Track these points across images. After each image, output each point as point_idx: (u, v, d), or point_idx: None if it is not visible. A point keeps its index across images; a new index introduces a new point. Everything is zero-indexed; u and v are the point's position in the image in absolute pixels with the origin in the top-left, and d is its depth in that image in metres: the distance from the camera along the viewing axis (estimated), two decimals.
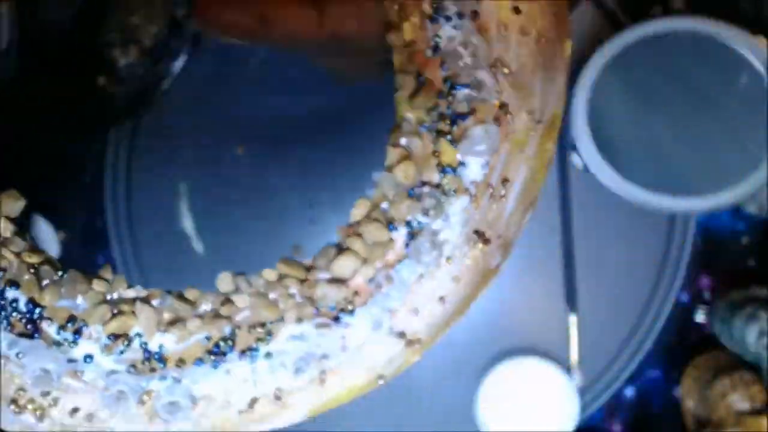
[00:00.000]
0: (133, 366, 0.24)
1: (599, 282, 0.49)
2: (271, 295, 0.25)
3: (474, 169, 0.25)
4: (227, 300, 0.25)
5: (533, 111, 0.24)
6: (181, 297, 0.25)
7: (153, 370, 0.24)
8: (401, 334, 0.26)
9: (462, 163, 0.25)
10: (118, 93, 0.45)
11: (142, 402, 0.24)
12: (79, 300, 0.24)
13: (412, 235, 0.25)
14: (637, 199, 0.43)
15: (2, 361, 0.23)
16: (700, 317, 0.51)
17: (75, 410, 0.23)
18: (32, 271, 0.23)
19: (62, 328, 0.23)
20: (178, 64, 0.46)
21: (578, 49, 0.47)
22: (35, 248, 0.24)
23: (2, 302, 0.23)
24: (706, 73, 0.40)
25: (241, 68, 0.48)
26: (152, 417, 0.24)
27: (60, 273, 0.24)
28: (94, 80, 0.45)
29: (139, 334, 0.24)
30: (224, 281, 0.26)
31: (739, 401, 0.46)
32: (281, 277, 0.26)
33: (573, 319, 0.49)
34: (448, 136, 0.25)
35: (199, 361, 0.25)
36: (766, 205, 0.47)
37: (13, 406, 0.23)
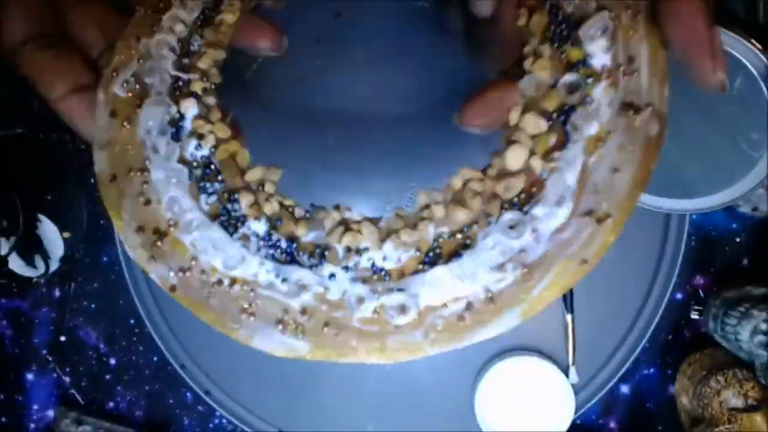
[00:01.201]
0: (365, 280, 0.28)
1: (595, 281, 0.49)
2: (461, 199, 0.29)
3: (600, 57, 0.27)
4: (427, 209, 0.29)
5: (630, 6, 0.27)
6: (397, 215, 0.29)
7: (380, 281, 0.28)
8: (589, 212, 0.27)
9: (588, 55, 0.27)
10: None
11: (376, 312, 0.27)
12: (325, 226, 0.29)
13: (565, 119, 0.27)
14: None
15: (270, 287, 0.28)
16: (694, 316, 0.51)
17: (325, 324, 0.28)
18: (289, 211, 0.30)
19: (311, 255, 0.28)
20: None
21: None
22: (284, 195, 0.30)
23: (270, 243, 0.28)
24: None
25: (244, 67, 0.49)
26: (383, 324, 0.28)
27: (306, 211, 0.30)
28: None
29: (366, 248, 0.28)
30: (421, 196, 0.30)
31: (733, 398, 0.46)
32: (465, 183, 0.30)
33: (569, 318, 0.49)
34: (568, 41, 0.28)
35: (415, 272, 0.28)
36: (759, 204, 0.47)
37: (280, 326, 0.28)
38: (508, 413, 0.49)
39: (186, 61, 0.30)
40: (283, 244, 0.28)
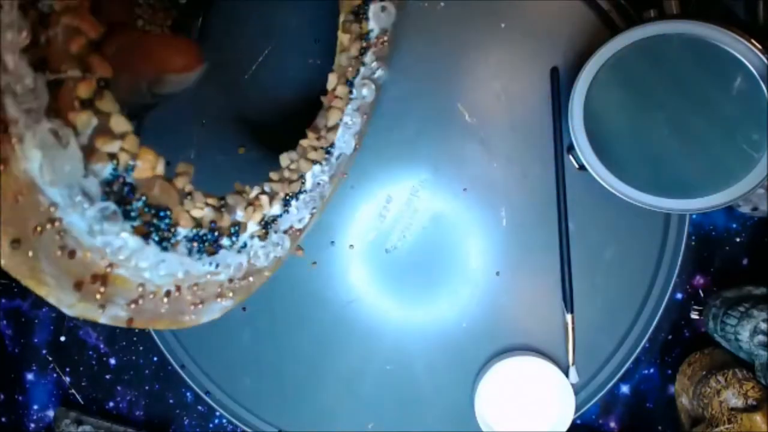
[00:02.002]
0: (260, 236, 0.35)
1: (595, 281, 0.49)
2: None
3: (375, 31, 0.40)
4: (289, 169, 0.38)
5: None
6: (272, 179, 0.37)
7: (266, 234, 0.36)
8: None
9: (371, 30, 0.39)
10: None
11: (268, 255, 0.36)
12: (239, 211, 0.33)
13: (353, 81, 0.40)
14: (632, 199, 0.44)
15: (209, 276, 0.32)
16: (694, 315, 0.51)
17: (245, 277, 0.35)
18: (214, 207, 0.32)
19: (229, 235, 0.33)
20: None
21: (575, 51, 0.47)
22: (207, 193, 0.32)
23: (199, 240, 0.31)
24: (701, 76, 0.41)
25: (242, 70, 0.49)
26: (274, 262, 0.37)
27: (222, 200, 0.33)
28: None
29: (264, 215, 0.35)
30: (283, 159, 0.38)
31: (732, 398, 0.46)
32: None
33: (569, 318, 0.49)
34: (365, 18, 0.39)
35: (280, 215, 0.37)
36: (759, 204, 0.47)
37: (219, 299, 0.34)
38: (508, 413, 0.49)
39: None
40: (210, 236, 0.31)
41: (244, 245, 0.34)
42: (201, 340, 0.51)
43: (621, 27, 0.46)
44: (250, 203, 0.34)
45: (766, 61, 0.39)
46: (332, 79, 0.39)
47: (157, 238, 0.28)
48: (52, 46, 0.24)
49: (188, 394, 0.55)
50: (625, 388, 0.53)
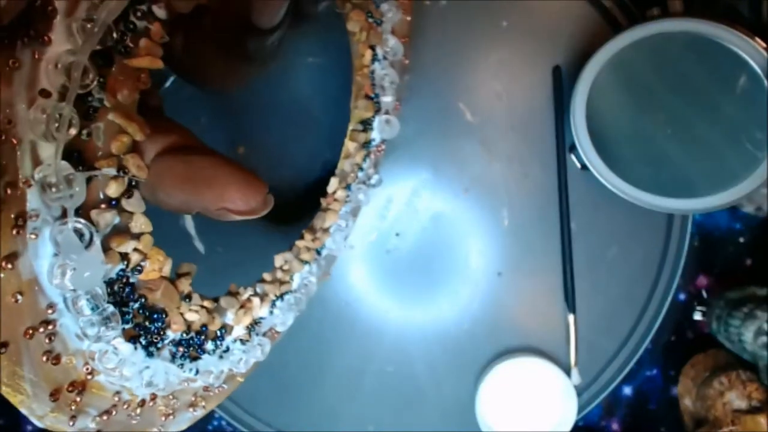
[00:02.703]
0: (242, 341, 0.33)
1: (597, 281, 0.49)
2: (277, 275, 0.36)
3: (377, 141, 0.41)
4: (282, 270, 0.37)
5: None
6: (265, 280, 0.35)
7: (249, 338, 0.34)
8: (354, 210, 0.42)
9: (373, 139, 0.40)
10: None
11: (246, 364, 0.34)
12: (229, 314, 0.31)
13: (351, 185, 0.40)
14: (635, 199, 0.44)
15: (186, 383, 0.29)
16: (697, 316, 0.51)
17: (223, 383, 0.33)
18: (207, 309, 0.30)
19: (214, 339, 0.30)
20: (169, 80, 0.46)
21: (577, 50, 0.47)
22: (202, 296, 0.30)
23: (184, 342, 0.28)
24: (704, 75, 0.40)
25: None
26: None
27: (215, 302, 0.31)
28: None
29: (257, 321, 0.34)
30: (278, 259, 0.36)
31: (736, 400, 0.46)
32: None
33: (571, 319, 0.49)
34: (371, 128, 0.40)
35: (263, 317, 0.35)
36: (763, 204, 0.47)
37: (191, 408, 0.31)
38: (510, 415, 0.49)
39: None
40: (195, 340, 0.29)
41: (227, 349, 0.31)
42: None
43: (624, 25, 0.46)
44: (242, 306, 0.32)
45: None
46: (334, 183, 0.39)
47: (144, 343, 0.25)
48: (91, 140, 0.22)
49: None
50: (627, 390, 0.53)
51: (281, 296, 0.36)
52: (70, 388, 0.23)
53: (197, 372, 0.29)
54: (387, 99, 0.39)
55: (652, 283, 0.49)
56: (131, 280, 0.24)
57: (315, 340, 0.51)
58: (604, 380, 0.50)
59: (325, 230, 0.39)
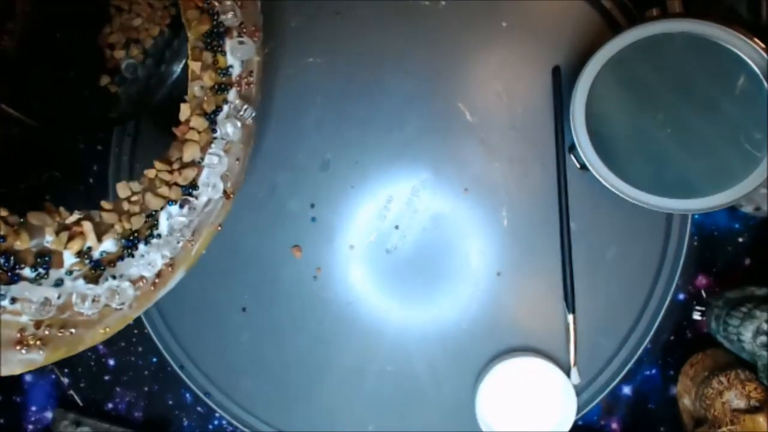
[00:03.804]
0: (86, 277, 0.30)
1: (597, 281, 0.49)
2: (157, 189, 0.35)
3: (236, 68, 0.38)
4: (129, 201, 0.34)
5: (258, 27, 0.39)
6: (103, 208, 0.33)
7: (98, 273, 0.31)
8: (225, 193, 0.38)
9: (230, 66, 0.38)
10: (121, 93, 0.45)
11: (95, 301, 0.31)
12: (47, 235, 0.29)
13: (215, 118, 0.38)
14: (634, 199, 0.44)
15: (5, 312, 0.27)
16: (696, 316, 0.51)
17: (61, 327, 0.30)
18: (4, 220, 0.27)
19: (33, 266, 0.28)
20: (179, 65, 0.46)
21: (577, 50, 0.47)
22: None
23: None
24: (704, 75, 0.40)
25: None
26: (103, 309, 0.32)
27: (21, 219, 0.28)
28: (97, 80, 0.45)
29: (89, 248, 0.31)
30: (121, 188, 0.35)
31: (735, 399, 0.46)
32: (156, 174, 0.36)
33: (570, 319, 0.49)
34: (219, 50, 0.38)
35: (121, 257, 0.33)
36: (761, 204, 0.47)
37: (18, 347, 0.28)
38: (510, 414, 0.49)
39: None
40: (2, 260, 0.27)
41: (59, 283, 0.29)
42: (200, 341, 0.51)
43: (623, 26, 0.46)
44: (65, 227, 0.30)
45: None
46: (185, 109, 0.37)
47: None
48: None
49: (187, 395, 0.55)
50: (627, 389, 0.53)
51: (146, 238, 0.33)
52: None
53: (13, 300, 0.27)
54: (227, 16, 0.37)
55: (652, 282, 0.49)
56: None
57: (315, 340, 0.51)
58: (603, 380, 0.50)
59: (188, 164, 0.36)
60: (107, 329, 0.33)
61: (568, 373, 0.49)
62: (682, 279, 0.50)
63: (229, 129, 0.37)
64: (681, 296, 0.51)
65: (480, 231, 0.49)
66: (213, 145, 0.37)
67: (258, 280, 0.50)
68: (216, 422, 0.55)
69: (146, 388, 0.55)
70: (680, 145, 0.42)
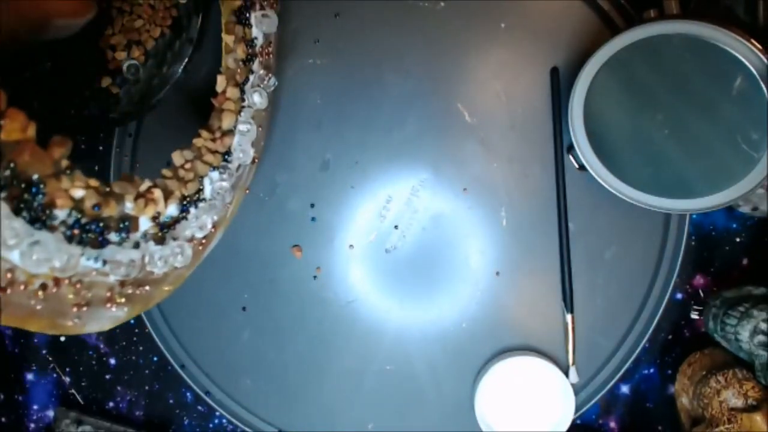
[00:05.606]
0: (155, 239, 0.33)
1: (595, 281, 0.49)
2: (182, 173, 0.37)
3: (260, 39, 0.41)
4: (183, 168, 0.37)
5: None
6: (165, 176, 0.36)
7: (164, 235, 0.34)
8: (253, 160, 0.42)
9: (255, 38, 0.41)
10: (122, 94, 0.46)
11: (164, 261, 0.34)
12: (127, 202, 0.31)
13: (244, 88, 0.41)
14: (632, 199, 0.44)
15: (94, 273, 0.29)
16: (694, 315, 0.51)
17: (138, 285, 0.32)
18: (97, 190, 0.29)
19: (117, 230, 0.30)
20: (180, 66, 0.46)
21: (575, 51, 0.47)
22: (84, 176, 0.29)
23: (81, 228, 0.28)
24: (701, 76, 0.41)
25: None
26: (170, 268, 0.35)
27: (107, 186, 0.30)
28: (99, 81, 0.45)
29: (158, 213, 0.33)
30: (176, 157, 0.37)
31: (732, 398, 0.46)
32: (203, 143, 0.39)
33: (569, 318, 0.49)
34: (247, 23, 0.40)
35: (178, 221, 0.35)
36: (759, 204, 0.47)
37: (108, 304, 0.31)
38: (508, 413, 0.49)
39: None
40: (94, 226, 0.28)
41: (137, 245, 0.31)
42: (201, 340, 0.51)
43: (621, 27, 0.46)
44: (141, 195, 0.32)
45: (766, 61, 0.39)
46: (221, 81, 0.39)
47: (28, 217, 0.25)
48: None
49: (188, 394, 0.55)
50: (625, 388, 0.53)
51: (194, 202, 0.36)
52: None
53: (104, 263, 0.29)
54: None
55: (650, 282, 0.49)
56: None
57: (315, 340, 0.51)
58: (601, 379, 0.50)
59: (226, 133, 0.39)
60: (170, 287, 0.36)
61: (566, 373, 0.49)
62: (679, 278, 0.50)
63: (256, 98, 0.40)
64: (679, 296, 0.51)
65: (479, 231, 0.49)
66: (242, 114, 0.40)
67: (258, 279, 0.50)
68: (216, 421, 0.55)
69: (147, 387, 0.55)
70: (678, 146, 0.42)
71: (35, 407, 0.56)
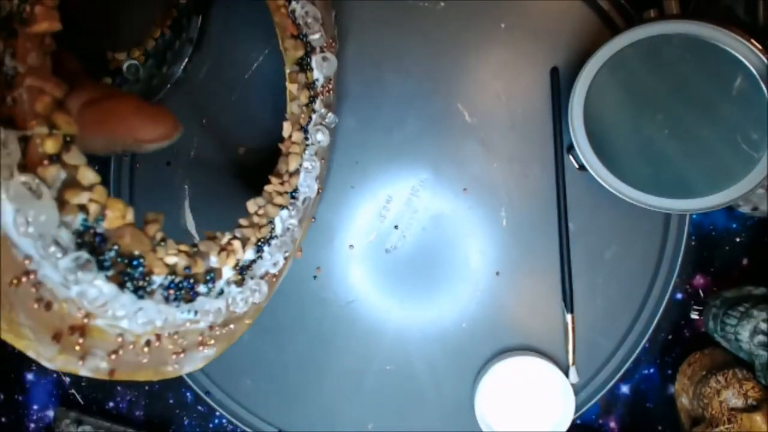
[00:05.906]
0: (235, 282, 0.35)
1: (595, 281, 0.49)
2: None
3: (320, 80, 0.42)
4: (257, 215, 0.39)
5: (335, 38, 0.43)
6: (242, 225, 0.38)
7: (243, 277, 0.36)
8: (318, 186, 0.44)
9: (317, 79, 0.41)
10: None
11: (245, 301, 0.36)
12: (212, 257, 0.34)
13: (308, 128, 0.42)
14: (632, 199, 0.44)
15: (188, 324, 0.32)
16: (694, 315, 0.51)
17: (224, 325, 0.36)
18: (186, 253, 0.31)
19: (205, 282, 0.33)
20: (180, 66, 0.46)
21: (575, 51, 0.47)
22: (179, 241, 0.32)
23: (175, 288, 0.30)
24: (701, 76, 0.41)
25: (242, 70, 0.49)
26: (250, 306, 0.37)
27: (195, 247, 0.33)
28: (99, 82, 0.45)
29: (238, 259, 0.36)
30: (250, 205, 0.39)
31: (732, 398, 0.46)
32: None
33: (569, 318, 0.49)
34: (308, 68, 0.41)
35: (254, 261, 0.38)
36: (759, 204, 0.47)
37: (201, 347, 0.34)
38: (508, 413, 0.49)
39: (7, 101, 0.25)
40: (185, 283, 0.31)
41: (221, 292, 0.34)
42: None
43: (621, 27, 0.46)
44: (222, 249, 0.35)
45: (766, 61, 0.39)
46: (287, 127, 0.41)
47: (132, 287, 0.28)
48: (18, 105, 0.25)
49: (188, 394, 0.55)
50: (625, 388, 0.53)
51: (267, 241, 0.38)
52: (70, 332, 0.26)
53: (196, 313, 0.32)
54: (315, 36, 0.40)
55: (650, 282, 0.49)
56: (99, 231, 0.27)
57: (315, 340, 0.51)
58: (601, 379, 0.50)
59: (293, 174, 0.41)
60: (250, 320, 0.38)
61: (566, 373, 0.49)
62: (679, 278, 0.50)
63: (319, 137, 0.42)
64: (679, 296, 0.51)
65: (479, 231, 0.49)
66: (306, 152, 0.41)
67: None
68: (216, 421, 0.55)
69: (147, 387, 0.55)
70: (678, 146, 0.42)
71: (35, 407, 0.56)
